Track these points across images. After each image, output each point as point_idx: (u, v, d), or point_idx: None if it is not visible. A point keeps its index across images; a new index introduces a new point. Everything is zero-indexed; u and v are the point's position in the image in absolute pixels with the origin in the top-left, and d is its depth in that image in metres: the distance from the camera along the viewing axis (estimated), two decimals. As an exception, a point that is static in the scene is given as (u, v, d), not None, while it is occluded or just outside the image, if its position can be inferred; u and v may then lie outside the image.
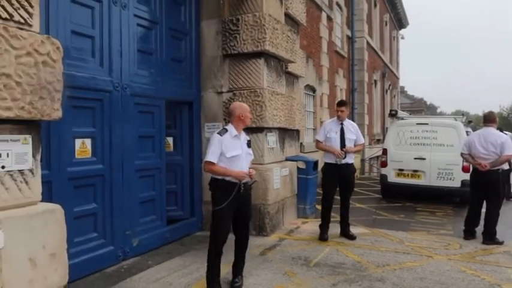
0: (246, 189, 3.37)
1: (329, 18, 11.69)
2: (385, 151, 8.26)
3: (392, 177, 8.05)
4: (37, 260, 2.07)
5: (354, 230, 5.24)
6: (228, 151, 3.23)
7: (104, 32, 3.86)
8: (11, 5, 2.00)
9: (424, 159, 7.65)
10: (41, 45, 2.10)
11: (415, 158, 7.72)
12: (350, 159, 5.12)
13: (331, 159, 5.10)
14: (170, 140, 5.36)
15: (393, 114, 8.51)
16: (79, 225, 3.54)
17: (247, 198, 3.44)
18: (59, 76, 2.22)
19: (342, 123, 5.16)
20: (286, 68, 6.21)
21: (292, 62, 6.07)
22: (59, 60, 2.22)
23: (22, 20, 2.06)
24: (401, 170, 7.94)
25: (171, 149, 5.36)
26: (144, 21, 4.43)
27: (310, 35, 9.97)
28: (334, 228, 5.18)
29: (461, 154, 5.40)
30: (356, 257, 4.26)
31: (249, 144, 3.44)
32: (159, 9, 4.65)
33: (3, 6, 1.96)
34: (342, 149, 5.01)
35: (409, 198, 8.14)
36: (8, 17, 1.98)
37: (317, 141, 5.34)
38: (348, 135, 5.13)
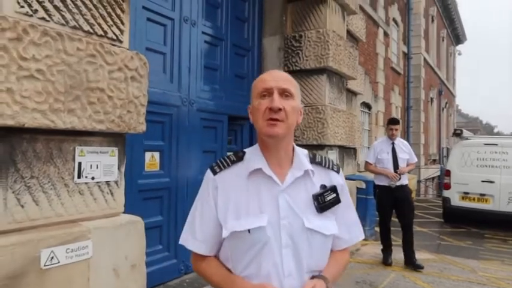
0: None
1: (385, 34, 11.46)
2: (448, 172, 7.82)
3: (456, 201, 7.58)
4: (120, 270, 2.09)
5: (417, 255, 4.93)
6: (231, 218, 1.22)
7: (175, 48, 3.98)
8: (106, 22, 2.09)
9: (492, 182, 7.15)
10: (131, 61, 2.17)
11: (483, 181, 7.24)
12: (404, 180, 4.87)
13: (384, 182, 4.88)
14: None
15: (458, 134, 8.07)
16: (147, 237, 3.59)
17: None
18: (145, 91, 2.28)
19: (393, 143, 4.95)
20: (346, 84, 6.10)
21: (353, 78, 5.96)
22: (145, 76, 2.28)
23: (114, 37, 2.14)
24: (467, 193, 7.46)
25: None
26: (211, 38, 4.53)
27: (366, 51, 9.80)
28: (397, 253, 4.92)
29: None
30: (426, 285, 4.00)
31: (324, 200, 1.26)
32: (224, 26, 4.75)
33: (99, 24, 2.05)
34: (395, 171, 4.78)
35: (474, 224, 7.63)
36: (103, 34, 2.07)
37: (367, 163, 5.13)
38: (401, 155, 4.90)
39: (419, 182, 13.93)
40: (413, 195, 12.31)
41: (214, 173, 1.29)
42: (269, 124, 1.19)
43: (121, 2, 2.13)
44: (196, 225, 1.30)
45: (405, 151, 4.94)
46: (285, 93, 1.23)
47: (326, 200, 1.26)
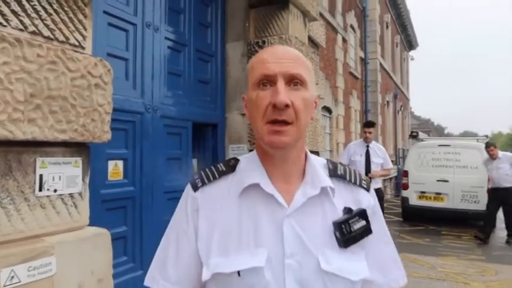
0: None
1: (344, 40, 11.79)
2: (405, 173, 8.16)
3: (414, 200, 7.92)
4: (85, 286, 2.01)
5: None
6: (216, 253, 0.91)
7: (137, 54, 3.89)
8: (67, 27, 2.00)
9: (447, 181, 7.53)
10: (94, 68, 2.10)
11: (438, 180, 7.61)
12: (376, 184, 4.97)
13: None
14: (194, 161, 5.35)
15: (414, 136, 8.46)
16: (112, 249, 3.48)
17: None
18: (109, 98, 2.22)
19: (367, 146, 5.02)
20: (309, 89, 6.22)
21: (315, 83, 6.07)
22: (109, 83, 2.22)
23: (77, 43, 2.06)
24: (424, 192, 7.81)
25: (195, 170, 5.35)
26: (174, 44, 4.47)
27: (326, 57, 10.04)
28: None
29: None
30: (390, 283, 4.13)
31: (350, 229, 0.91)
32: (187, 31, 4.70)
33: (60, 30, 1.96)
34: (367, 175, 4.87)
35: (431, 222, 7.98)
36: (64, 39, 1.98)
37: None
38: (374, 159, 4.96)
39: (378, 182, 14.41)
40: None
41: (195, 188, 0.96)
42: (272, 130, 0.87)
43: (83, 7, 2.05)
44: (169, 262, 0.98)
45: (379, 156, 4.98)
46: (294, 81, 0.90)
47: (353, 229, 0.90)
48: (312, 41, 6.83)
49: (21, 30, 1.77)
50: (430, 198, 7.67)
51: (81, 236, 2.05)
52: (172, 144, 4.44)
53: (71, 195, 2.05)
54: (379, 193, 4.98)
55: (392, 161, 18.44)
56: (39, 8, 1.83)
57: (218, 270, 0.87)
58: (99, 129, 2.13)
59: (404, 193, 8.09)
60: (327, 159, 1.05)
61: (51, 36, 1.92)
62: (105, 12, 3.47)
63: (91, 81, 2.08)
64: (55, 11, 1.92)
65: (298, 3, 5.37)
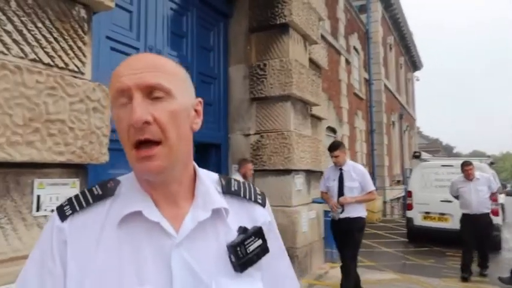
0: None
1: (347, 62, 11.94)
2: (409, 193, 8.11)
3: (418, 221, 7.84)
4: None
5: (383, 275, 5.06)
6: None
7: (140, 77, 4.01)
8: (67, 54, 2.10)
9: (451, 201, 7.44)
10: (93, 92, 2.19)
11: (442, 201, 7.53)
12: (354, 212, 4.18)
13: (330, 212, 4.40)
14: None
15: (417, 156, 8.44)
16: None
17: None
18: (107, 122, 2.29)
19: (341, 169, 4.37)
20: (311, 110, 6.29)
21: (317, 105, 6.16)
22: (107, 107, 2.29)
23: (76, 69, 2.15)
24: (428, 213, 7.74)
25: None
26: (176, 67, 4.59)
27: (330, 78, 10.16)
28: (361, 274, 5.00)
29: None
30: (391, 305, 4.08)
31: (246, 251, 0.81)
32: (190, 55, 4.84)
33: (60, 57, 2.06)
34: (338, 201, 4.22)
35: (436, 242, 7.86)
36: (64, 66, 2.08)
37: (321, 192, 4.72)
38: (348, 183, 4.27)
39: (385, 202, 14.29)
40: (379, 216, 12.57)
41: (63, 217, 0.77)
42: (140, 157, 0.73)
43: (83, 35, 2.15)
44: None
45: (355, 178, 4.27)
46: (154, 93, 0.74)
47: (249, 251, 0.81)
48: (314, 63, 6.94)
49: (21, 58, 1.87)
50: (434, 218, 7.60)
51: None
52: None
53: (68, 215, 2.10)
54: (355, 223, 4.20)
55: (399, 181, 18.31)
56: (39, 36, 1.94)
57: None
58: (96, 151, 2.20)
59: (408, 213, 8.03)
60: (219, 175, 0.93)
61: (51, 63, 2.02)
62: (108, 37, 3.61)
63: (89, 105, 2.16)
64: (55, 39, 2.02)
65: (298, 28, 5.51)
